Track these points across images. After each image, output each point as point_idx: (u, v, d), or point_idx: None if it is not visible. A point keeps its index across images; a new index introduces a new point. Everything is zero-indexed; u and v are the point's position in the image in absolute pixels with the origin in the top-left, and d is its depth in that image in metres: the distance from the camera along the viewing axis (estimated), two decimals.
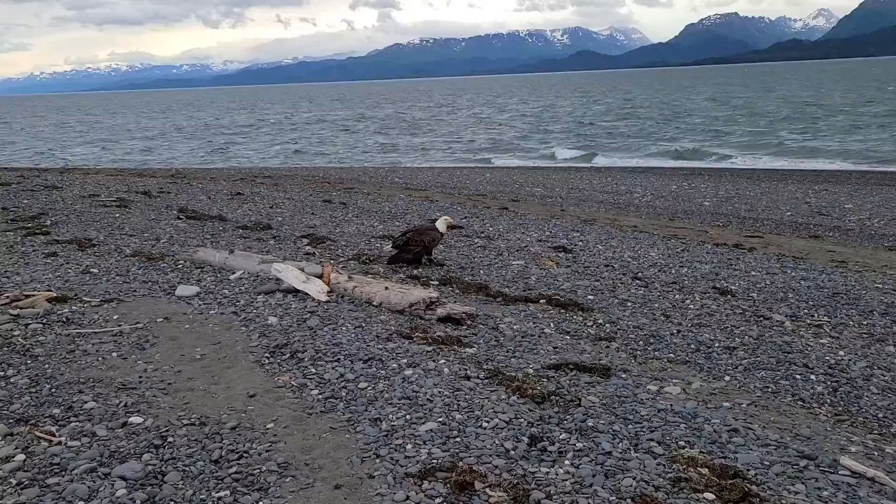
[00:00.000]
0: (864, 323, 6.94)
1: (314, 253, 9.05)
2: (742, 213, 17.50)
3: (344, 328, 5.64)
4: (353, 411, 4.14)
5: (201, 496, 3.29)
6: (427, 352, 5.12)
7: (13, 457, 3.66)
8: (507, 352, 5.34)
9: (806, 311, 7.32)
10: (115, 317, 6.02)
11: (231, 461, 3.61)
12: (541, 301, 7.03)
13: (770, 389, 5.00)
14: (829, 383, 5.19)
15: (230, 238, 10.02)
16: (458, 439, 3.75)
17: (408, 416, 4.03)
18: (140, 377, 4.75)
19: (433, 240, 8.49)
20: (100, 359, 5.09)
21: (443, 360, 4.92)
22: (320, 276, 6.76)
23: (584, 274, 8.70)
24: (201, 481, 3.42)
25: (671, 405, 4.36)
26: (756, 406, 4.56)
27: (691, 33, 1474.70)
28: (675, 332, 6.26)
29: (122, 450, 3.75)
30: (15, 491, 3.30)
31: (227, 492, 3.31)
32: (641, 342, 5.94)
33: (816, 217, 16.91)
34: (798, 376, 5.28)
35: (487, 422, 3.93)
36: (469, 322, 5.98)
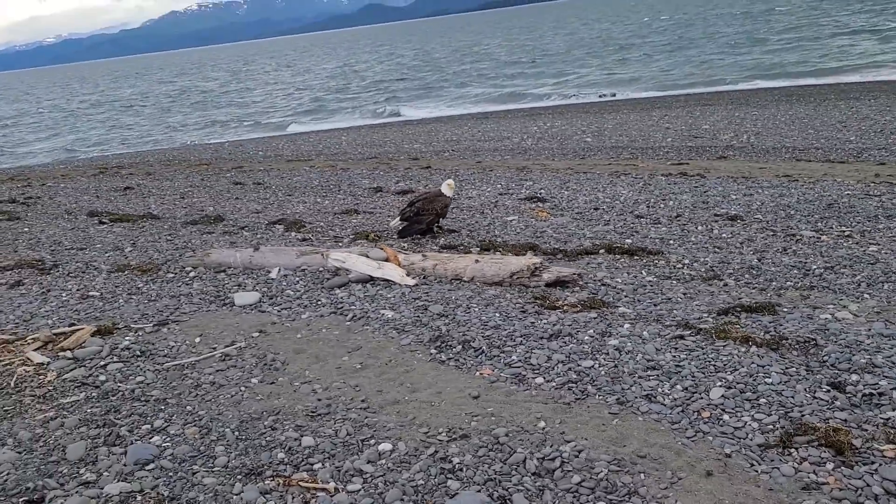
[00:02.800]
0: (880, 227, 7.47)
1: (310, 238, 8.40)
2: (626, 143, 18.25)
3: (476, 309, 5.28)
4: (611, 392, 3.89)
5: None
6: (593, 318, 4.91)
7: None
8: (654, 305, 5.24)
9: (820, 224, 7.77)
10: (195, 339, 5.26)
11: (570, 472, 3.25)
12: (600, 252, 6.96)
13: None
14: None
15: (192, 236, 9.06)
16: (761, 400, 3.62)
17: (679, 387, 3.85)
18: (322, 400, 4.18)
19: (445, 206, 8.15)
20: (243, 388, 4.44)
21: (627, 325, 4.74)
22: (386, 261, 6.27)
23: (588, 220, 8.72)
24: (577, 498, 3.07)
25: (871, 329, 4.47)
26: None
27: None
28: (756, 261, 6.43)
29: (416, 483, 3.29)
30: None
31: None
32: (746, 275, 6.04)
33: (695, 140, 17.95)
34: None
35: (766, 377, 3.83)
36: (581, 283, 5.80)
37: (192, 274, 6.99)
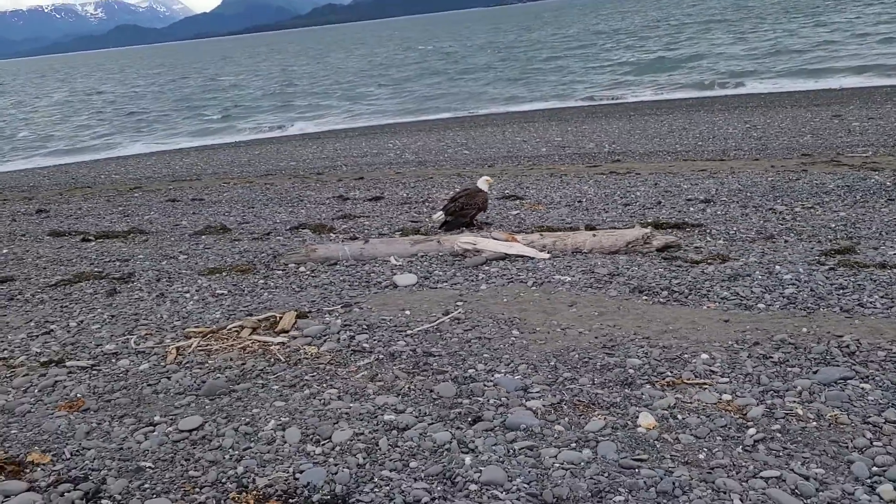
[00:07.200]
0: (828, 201, 9.48)
1: (359, 237, 8.95)
2: (505, 154, 19.84)
3: (636, 268, 6.38)
4: (828, 305, 5.20)
5: None
6: (741, 265, 6.22)
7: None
8: (761, 255, 6.65)
9: (780, 201, 9.68)
10: (405, 312, 5.85)
11: (869, 350, 4.46)
12: (646, 228, 8.27)
13: None
14: None
15: (220, 244, 9.21)
16: None
17: (876, 296, 5.24)
18: (598, 338, 5.02)
19: (485, 200, 9.07)
20: (512, 338, 5.17)
21: (777, 266, 6.08)
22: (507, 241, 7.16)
23: (587, 210, 10.04)
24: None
25: None
26: None
27: (233, 2, 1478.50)
28: (780, 226, 8.07)
29: (763, 375, 4.36)
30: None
31: None
32: (791, 235, 7.62)
33: (566, 149, 19.99)
34: None
35: None
36: (683, 247, 7.09)
37: (301, 269, 7.38)
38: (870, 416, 3.71)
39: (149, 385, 4.82)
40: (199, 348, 5.45)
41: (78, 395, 4.77)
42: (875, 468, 3.29)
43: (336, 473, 3.43)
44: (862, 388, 4.01)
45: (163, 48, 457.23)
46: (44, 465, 3.74)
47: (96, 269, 8.00)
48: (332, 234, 9.26)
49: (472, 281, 6.47)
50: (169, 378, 4.89)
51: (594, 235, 7.07)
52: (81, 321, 6.35)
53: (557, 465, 3.44)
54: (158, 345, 5.62)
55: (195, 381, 4.80)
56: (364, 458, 3.61)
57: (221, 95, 57.65)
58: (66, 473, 3.65)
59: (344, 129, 35.81)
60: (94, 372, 5.17)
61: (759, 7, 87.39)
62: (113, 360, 5.35)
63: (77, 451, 3.90)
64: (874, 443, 3.50)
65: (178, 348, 5.47)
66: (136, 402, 4.58)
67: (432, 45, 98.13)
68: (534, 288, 6.16)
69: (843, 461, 3.38)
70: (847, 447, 3.49)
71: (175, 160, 26.88)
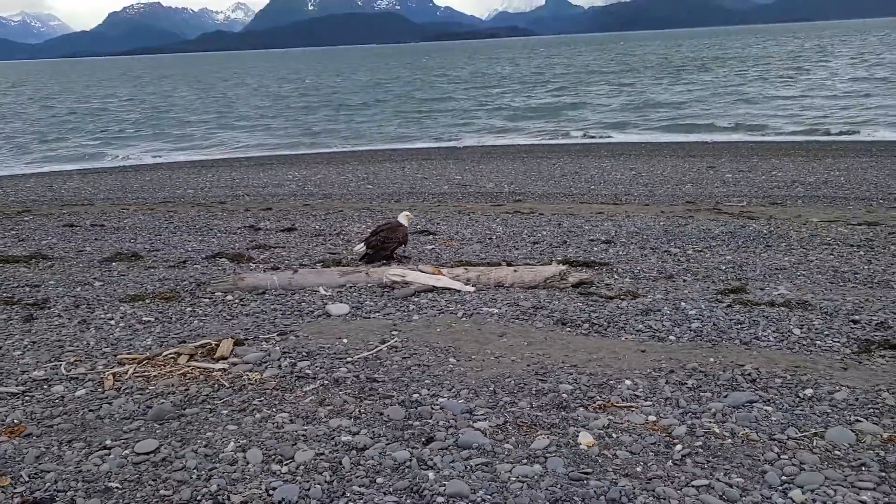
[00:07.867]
0: (714, 245, 10.38)
1: (280, 267, 9.07)
2: (408, 190, 20.30)
3: (556, 303, 6.86)
4: (730, 339, 5.81)
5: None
6: (650, 301, 6.81)
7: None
8: (665, 293, 7.28)
9: (674, 244, 10.51)
10: (343, 340, 6.08)
11: (766, 377, 5.08)
12: (562, 265, 8.84)
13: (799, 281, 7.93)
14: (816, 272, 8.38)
15: (135, 273, 9.12)
16: (825, 332, 5.83)
17: (769, 330, 5.90)
18: (530, 366, 5.42)
19: (405, 235, 9.41)
20: (450, 366, 5.50)
21: (683, 303, 6.70)
22: (433, 274, 7.52)
23: (497, 247, 10.56)
24: (792, 389, 4.91)
25: (814, 296, 6.99)
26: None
27: (116, 22, 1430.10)
28: (678, 266, 8.81)
29: (681, 398, 4.89)
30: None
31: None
32: (688, 275, 8.34)
33: (468, 187, 20.63)
34: (809, 274, 8.31)
35: (811, 322, 6.05)
36: (595, 284, 7.65)
37: (229, 297, 7.44)
38: (775, 434, 4.25)
39: (90, 410, 4.83)
40: (137, 374, 5.47)
41: (16, 421, 4.71)
42: (784, 477, 3.80)
43: (309, 490, 3.62)
44: (765, 410, 4.56)
45: (35, 65, 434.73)
46: (3, 487, 3.73)
47: (6, 295, 7.74)
48: (251, 264, 9.30)
49: (404, 311, 6.75)
50: (110, 404, 4.91)
51: (515, 271, 7.51)
52: (0, 347, 6.19)
53: (514, 478, 3.76)
54: (91, 371, 5.59)
55: (139, 407, 4.84)
56: (331, 476, 3.82)
57: (95, 118, 55.39)
58: (29, 495, 3.66)
59: (237, 157, 35.15)
60: (26, 398, 5.09)
61: (638, 62, 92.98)
62: (45, 387, 5.29)
63: (35, 473, 3.90)
64: (781, 456, 4.02)
65: (114, 374, 5.46)
66: (80, 427, 4.59)
67: (322, 79, 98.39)
68: (464, 319, 6.51)
69: (757, 472, 3.87)
70: (759, 460, 3.99)
71: (57, 183, 25.74)
